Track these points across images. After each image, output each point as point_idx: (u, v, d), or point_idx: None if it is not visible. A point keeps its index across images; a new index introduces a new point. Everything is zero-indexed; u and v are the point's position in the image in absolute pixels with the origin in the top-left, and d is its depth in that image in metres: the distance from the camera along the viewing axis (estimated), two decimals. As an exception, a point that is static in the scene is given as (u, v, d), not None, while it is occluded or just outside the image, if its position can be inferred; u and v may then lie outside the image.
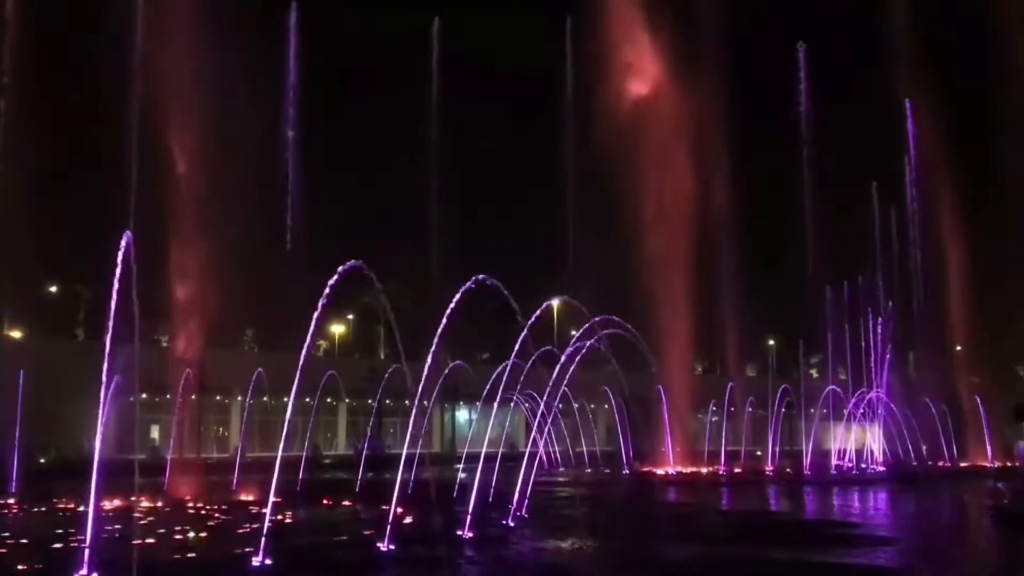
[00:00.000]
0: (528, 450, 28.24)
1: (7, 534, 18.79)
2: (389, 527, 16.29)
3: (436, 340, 18.84)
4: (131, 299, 16.61)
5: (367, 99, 67.54)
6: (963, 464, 48.18)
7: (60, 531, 18.68)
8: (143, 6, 44.29)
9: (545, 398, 27.42)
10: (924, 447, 48.45)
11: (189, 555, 16.50)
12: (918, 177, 62.89)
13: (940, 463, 47.66)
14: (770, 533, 21.92)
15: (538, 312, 23.71)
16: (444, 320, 18.87)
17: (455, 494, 25.17)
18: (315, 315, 16.54)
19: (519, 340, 22.54)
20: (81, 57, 46.02)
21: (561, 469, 44.55)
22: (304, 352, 16.44)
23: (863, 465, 43.76)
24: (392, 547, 16.15)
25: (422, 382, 18.54)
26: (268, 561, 14.51)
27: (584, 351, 27.26)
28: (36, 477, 31.63)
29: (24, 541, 18.07)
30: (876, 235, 69.47)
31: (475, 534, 18.05)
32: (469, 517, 18.42)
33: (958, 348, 56.79)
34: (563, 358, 26.37)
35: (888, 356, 47.33)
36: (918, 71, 56.61)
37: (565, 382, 28.34)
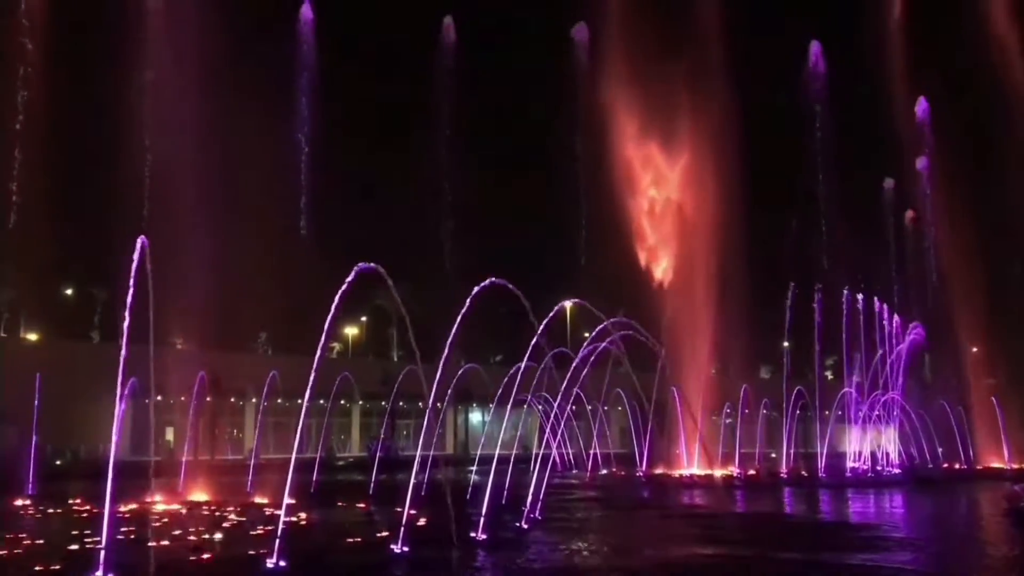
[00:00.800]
0: (541, 452, 28.23)
1: (24, 535, 18.91)
2: (403, 529, 16.32)
3: (449, 342, 18.88)
4: (147, 302, 16.72)
5: (379, 103, 67.68)
6: (979, 466, 47.85)
7: (76, 532, 18.79)
8: (156, 16, 44.55)
9: (559, 400, 27.42)
10: (940, 449, 48.14)
11: (204, 556, 16.56)
12: (932, 177, 62.50)
13: (956, 465, 47.35)
14: (784, 535, 21.83)
15: (552, 314, 23.72)
16: (457, 322, 18.91)
17: (468, 496, 25.17)
18: (328, 318, 16.59)
19: (532, 342, 22.57)
20: (95, 63, 46.32)
21: (574, 471, 44.50)
22: (318, 355, 16.49)
23: (878, 467, 43.50)
24: (406, 549, 16.18)
25: (435, 384, 18.57)
26: (282, 563, 14.56)
27: (597, 353, 27.20)
28: (53, 479, 31.83)
29: (40, 542, 18.20)
30: (890, 235, 69.19)
31: (488, 536, 18.05)
32: (482, 519, 18.43)
33: (974, 349, 56.39)
34: (576, 360, 26.34)
35: (904, 358, 47.06)
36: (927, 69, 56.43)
37: (578, 384, 28.31)
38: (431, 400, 19.75)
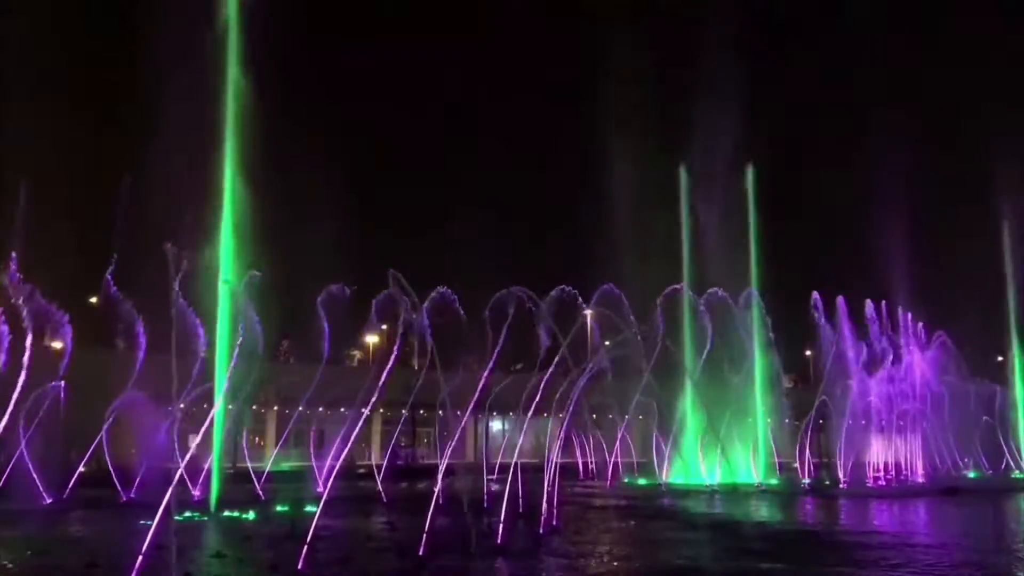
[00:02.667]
0: (558, 460, 28.19)
1: (50, 542, 19.14)
2: (422, 537, 16.39)
3: (469, 351, 18.98)
4: (171, 311, 16.92)
5: (401, 115, 68.18)
6: (1007, 476, 47.36)
7: (102, 539, 18.99)
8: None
9: (570, 408, 27.35)
10: (966, 459, 47.71)
11: (227, 563, 16.72)
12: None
13: (983, 474, 46.89)
14: (804, 544, 21.71)
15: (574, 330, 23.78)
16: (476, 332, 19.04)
17: (488, 504, 25.21)
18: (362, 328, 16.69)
19: (550, 351, 22.64)
20: (122, 70, 46.77)
21: (596, 480, 44.47)
22: (321, 362, 16.60)
23: (902, 477, 43.14)
24: (425, 557, 16.24)
25: (455, 392, 18.66)
26: (304, 569, 14.67)
27: (592, 369, 26.91)
28: (79, 485, 32.18)
29: (66, 549, 18.41)
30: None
31: (507, 544, 18.07)
32: (501, 527, 18.46)
33: (999, 359, 55.82)
34: (588, 371, 26.24)
35: (928, 366, 46.69)
36: None
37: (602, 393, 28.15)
38: (450, 408, 19.85)
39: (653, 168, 47.77)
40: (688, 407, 44.53)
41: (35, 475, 29.91)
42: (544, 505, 21.06)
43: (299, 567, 14.72)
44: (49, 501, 28.95)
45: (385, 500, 30.59)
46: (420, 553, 16.27)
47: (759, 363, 45.02)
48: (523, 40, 71.36)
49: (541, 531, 20.21)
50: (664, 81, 48.26)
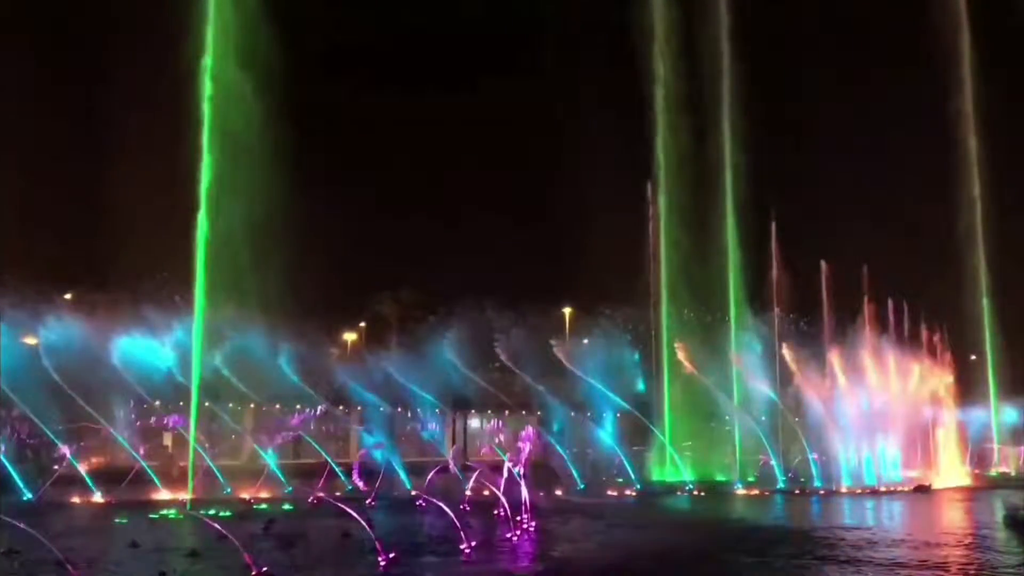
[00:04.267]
0: (538, 460, 28.32)
1: (21, 541, 18.96)
2: (397, 536, 16.40)
3: (450, 349, 19.03)
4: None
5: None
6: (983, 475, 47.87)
7: (75, 537, 18.88)
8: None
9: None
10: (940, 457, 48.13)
11: (195, 562, 16.71)
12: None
13: (955, 474, 47.33)
14: (769, 541, 21.88)
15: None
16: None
17: (464, 503, 25.20)
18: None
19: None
20: (112, 70, 46.32)
21: (572, 479, 44.49)
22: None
23: (877, 475, 43.47)
24: (398, 556, 16.24)
25: (429, 391, 18.67)
26: (267, 570, 14.63)
27: None
28: (52, 483, 31.94)
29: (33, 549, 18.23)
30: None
31: (478, 544, 18.08)
32: (474, 527, 18.49)
33: (972, 357, 56.32)
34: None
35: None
36: None
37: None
38: (431, 407, 19.88)
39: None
40: (666, 407, 44.70)
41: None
42: (515, 505, 21.15)
43: (273, 566, 14.68)
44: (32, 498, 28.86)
45: (370, 500, 30.52)
46: (392, 553, 16.26)
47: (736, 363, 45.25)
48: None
49: (515, 531, 20.26)
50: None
